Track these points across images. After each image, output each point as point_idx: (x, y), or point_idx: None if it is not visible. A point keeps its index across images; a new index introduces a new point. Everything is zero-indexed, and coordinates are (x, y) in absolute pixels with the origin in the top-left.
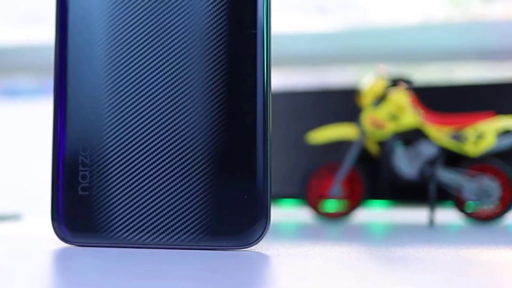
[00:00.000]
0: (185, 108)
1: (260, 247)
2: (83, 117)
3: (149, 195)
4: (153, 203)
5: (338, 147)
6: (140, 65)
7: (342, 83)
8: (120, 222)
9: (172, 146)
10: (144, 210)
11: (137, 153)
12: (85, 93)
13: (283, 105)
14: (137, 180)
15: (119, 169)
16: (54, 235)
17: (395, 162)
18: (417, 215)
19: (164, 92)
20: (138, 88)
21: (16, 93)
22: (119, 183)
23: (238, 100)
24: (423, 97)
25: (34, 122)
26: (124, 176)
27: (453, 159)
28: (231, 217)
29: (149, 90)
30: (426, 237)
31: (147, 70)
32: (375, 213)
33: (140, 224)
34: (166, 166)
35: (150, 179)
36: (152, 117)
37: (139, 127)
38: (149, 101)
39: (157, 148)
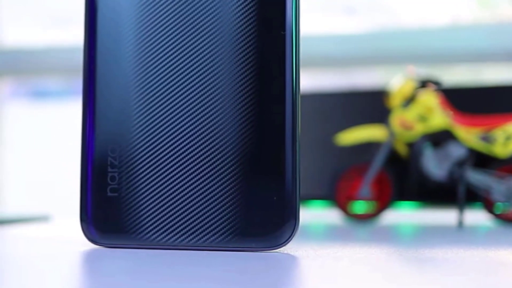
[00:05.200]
0: (214, 110)
1: (289, 249)
2: (112, 118)
3: (178, 197)
4: (182, 205)
5: (367, 148)
6: (169, 67)
7: (370, 84)
8: (149, 224)
9: (201, 147)
10: (173, 212)
11: (166, 154)
12: (114, 94)
13: (312, 107)
14: (166, 182)
15: (148, 171)
16: (83, 236)
17: (424, 164)
18: (445, 216)
19: (193, 93)
20: (167, 89)
21: (44, 94)
22: (148, 184)
23: (267, 102)
24: (452, 99)
25: (62, 123)
26: (153, 177)
27: (482, 160)
28: (260, 218)
29: (178, 91)
30: (455, 238)
31: (176, 72)
32: (404, 215)
33: (169, 225)
34: (195, 168)
35: (179, 180)
36: (181, 118)
37: (168, 128)
38: (178, 102)
39: (186, 149)
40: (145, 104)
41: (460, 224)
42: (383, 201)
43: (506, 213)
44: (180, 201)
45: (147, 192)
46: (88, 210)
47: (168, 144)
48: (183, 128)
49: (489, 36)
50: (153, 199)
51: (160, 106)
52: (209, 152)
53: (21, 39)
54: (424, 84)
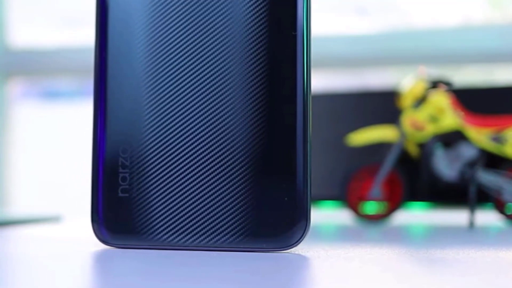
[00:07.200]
0: (225, 110)
1: (300, 249)
2: (123, 119)
3: (189, 197)
4: (193, 205)
5: (378, 149)
6: (180, 67)
7: (382, 85)
8: (160, 224)
9: (212, 147)
10: (184, 212)
11: (177, 155)
12: (125, 94)
13: (323, 107)
14: (177, 182)
15: (159, 171)
16: (94, 237)
17: (435, 164)
18: (457, 217)
19: (204, 94)
20: (178, 90)
21: (56, 95)
22: (159, 185)
23: (278, 102)
24: (463, 99)
25: (74, 123)
26: (164, 178)
27: (493, 161)
28: (271, 219)
29: (189, 92)
30: (466, 239)
31: (187, 72)
32: (415, 215)
33: (180, 226)
34: (206, 168)
35: (190, 181)
36: (192, 119)
37: (179, 129)
38: (189, 103)
39: (197, 150)
40: (156, 104)
41: (471, 225)
42: (394, 202)
43: None
44: (191, 201)
45: (158, 193)
46: (99, 211)
47: (179, 145)
48: (194, 129)
49: (500, 37)
50: (164, 200)
51: (171, 106)
52: (220, 153)
53: (32, 39)
54: (435, 84)
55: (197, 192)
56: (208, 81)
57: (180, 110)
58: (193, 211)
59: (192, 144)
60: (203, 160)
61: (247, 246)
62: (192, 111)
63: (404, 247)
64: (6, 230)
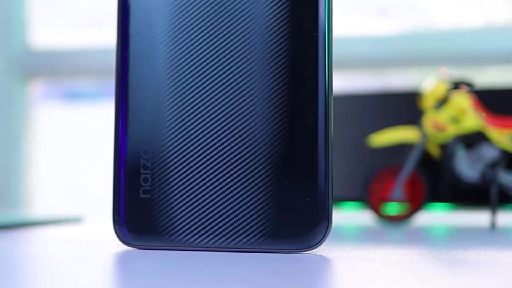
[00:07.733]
0: (247, 111)
1: (322, 250)
2: (144, 120)
3: (211, 198)
4: (215, 206)
5: (400, 150)
6: (202, 68)
7: (403, 86)
8: (181, 225)
9: (234, 148)
10: (205, 213)
11: (199, 155)
12: (146, 95)
13: (344, 108)
14: (198, 183)
15: (180, 172)
16: (116, 238)
17: (456, 165)
18: (478, 218)
19: (225, 95)
20: (200, 91)
21: (77, 96)
22: (180, 186)
23: (300, 103)
24: (484, 100)
25: (95, 124)
26: (186, 179)
27: None
28: (292, 220)
29: (211, 93)
30: (487, 240)
31: (209, 73)
32: (437, 216)
33: (201, 227)
34: (228, 169)
35: (211, 181)
36: (214, 120)
37: (201, 130)
38: (210, 104)
39: (219, 151)
40: (177, 105)
41: (493, 226)
42: (416, 203)
43: None
44: (212, 202)
45: (180, 194)
46: (121, 212)
47: (201, 146)
48: (215, 130)
49: None
50: (185, 201)
51: (192, 107)
52: (241, 153)
53: (54, 40)
54: (456, 85)
55: (218, 193)
56: (229, 82)
57: (201, 111)
58: (214, 212)
59: (213, 145)
60: (224, 161)
61: (268, 247)
62: (214, 112)
63: (425, 248)
64: (28, 231)
